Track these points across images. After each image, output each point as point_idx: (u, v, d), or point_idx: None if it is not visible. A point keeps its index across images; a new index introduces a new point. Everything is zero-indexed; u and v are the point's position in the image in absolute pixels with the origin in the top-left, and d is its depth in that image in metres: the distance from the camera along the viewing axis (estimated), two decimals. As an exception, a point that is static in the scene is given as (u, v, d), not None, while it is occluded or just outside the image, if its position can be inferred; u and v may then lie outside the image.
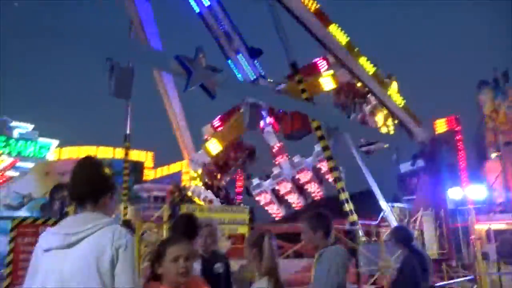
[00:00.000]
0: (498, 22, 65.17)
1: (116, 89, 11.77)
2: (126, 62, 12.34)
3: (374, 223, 17.13)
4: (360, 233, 12.33)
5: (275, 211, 23.68)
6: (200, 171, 22.34)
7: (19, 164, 25.99)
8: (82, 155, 2.22)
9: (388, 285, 9.42)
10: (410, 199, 19.84)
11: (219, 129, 22.48)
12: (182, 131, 23.98)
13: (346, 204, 11.66)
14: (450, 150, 19.16)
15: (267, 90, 18.20)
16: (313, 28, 16.27)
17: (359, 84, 19.94)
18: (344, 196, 11.83)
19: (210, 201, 20.06)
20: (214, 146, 22.19)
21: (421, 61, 77.64)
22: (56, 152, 27.09)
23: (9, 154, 26.05)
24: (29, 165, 25.90)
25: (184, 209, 9.62)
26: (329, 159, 12.65)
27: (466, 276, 12.06)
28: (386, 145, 20.91)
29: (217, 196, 21.39)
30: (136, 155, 25.17)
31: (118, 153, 22.52)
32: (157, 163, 36.28)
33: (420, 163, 19.97)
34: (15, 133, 27.02)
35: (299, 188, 23.10)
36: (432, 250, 16.00)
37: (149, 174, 33.37)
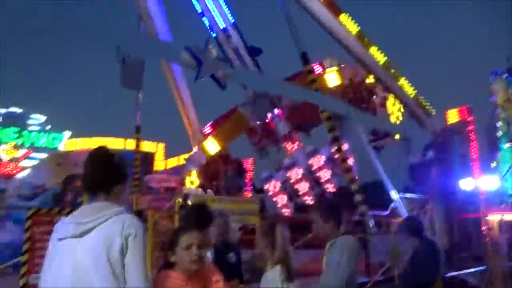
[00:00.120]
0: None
1: (127, 80, 11.84)
2: (136, 54, 12.37)
3: (384, 213, 17.09)
4: (371, 223, 12.29)
5: (284, 203, 23.30)
6: (196, 171, 22.08)
7: (32, 155, 26.33)
8: (94, 146, 2.24)
9: (399, 275, 9.42)
10: (421, 190, 19.72)
11: (213, 132, 22.23)
12: (191, 122, 24.06)
13: (356, 195, 11.64)
14: (462, 140, 18.96)
15: (276, 80, 18.11)
16: (323, 18, 16.16)
17: (367, 81, 19.82)
18: (354, 186, 11.81)
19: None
20: (212, 146, 21.93)
21: (434, 50, 76.62)
22: (68, 143, 27.36)
23: (22, 145, 26.39)
24: (42, 156, 26.23)
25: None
26: (339, 150, 12.61)
27: (477, 267, 11.99)
28: (397, 137, 20.71)
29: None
30: (147, 146, 25.29)
31: (129, 144, 22.61)
32: (168, 154, 36.63)
33: (432, 153, 19.81)
34: (28, 125, 27.34)
35: (311, 177, 22.57)
36: (443, 240, 15.92)
37: (160, 165, 33.66)
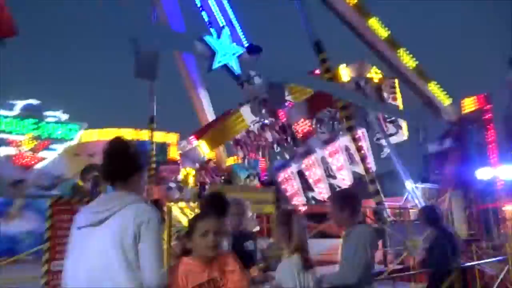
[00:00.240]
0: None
1: (142, 70, 11.86)
2: (150, 44, 12.36)
3: (400, 203, 16.96)
4: (387, 213, 12.23)
5: (297, 197, 23.01)
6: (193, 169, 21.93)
7: (50, 146, 26.71)
8: (110, 137, 2.27)
9: (417, 264, 9.37)
10: (438, 180, 19.48)
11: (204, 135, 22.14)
12: (205, 112, 24.13)
13: (372, 185, 11.57)
14: (479, 129, 18.63)
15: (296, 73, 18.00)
16: (353, 22, 16.20)
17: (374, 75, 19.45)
18: (369, 176, 11.75)
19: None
20: (205, 148, 21.97)
21: (450, 37, 75.14)
22: (84, 134, 27.67)
23: (39, 136, 26.76)
24: (59, 147, 26.60)
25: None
26: (354, 139, 12.54)
27: (496, 256, 11.85)
28: (405, 137, 20.21)
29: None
30: (162, 136, 25.43)
31: (143, 134, 22.77)
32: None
33: (448, 142, 19.51)
34: (45, 116, 27.67)
35: (326, 167, 22.12)
36: (461, 230, 15.77)
37: (174, 155, 33.86)
